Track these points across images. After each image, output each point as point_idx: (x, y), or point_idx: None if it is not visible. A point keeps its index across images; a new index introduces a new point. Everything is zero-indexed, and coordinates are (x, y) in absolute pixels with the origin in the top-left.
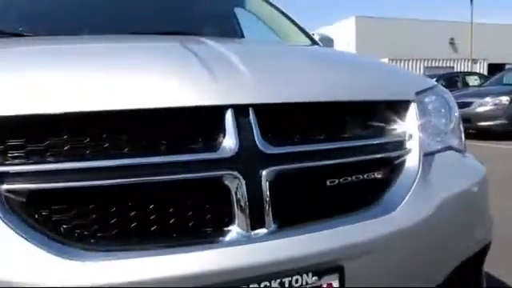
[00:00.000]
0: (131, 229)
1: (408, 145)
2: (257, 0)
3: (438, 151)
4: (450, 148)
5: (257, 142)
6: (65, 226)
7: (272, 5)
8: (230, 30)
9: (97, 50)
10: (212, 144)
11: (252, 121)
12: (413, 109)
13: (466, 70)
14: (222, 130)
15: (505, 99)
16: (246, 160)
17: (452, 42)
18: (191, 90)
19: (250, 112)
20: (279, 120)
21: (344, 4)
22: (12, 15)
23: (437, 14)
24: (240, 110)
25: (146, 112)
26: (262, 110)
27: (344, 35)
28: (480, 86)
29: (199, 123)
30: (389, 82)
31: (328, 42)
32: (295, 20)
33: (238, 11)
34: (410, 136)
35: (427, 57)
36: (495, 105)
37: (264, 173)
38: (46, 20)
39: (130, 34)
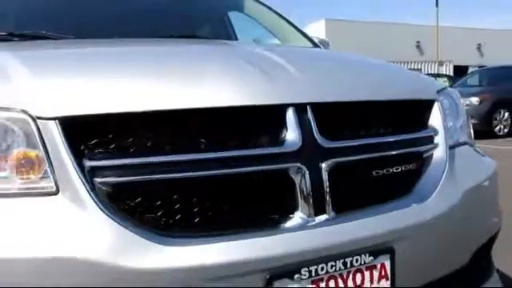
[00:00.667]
0: (209, 216)
1: (436, 139)
2: (256, 4)
3: (458, 145)
4: (465, 143)
5: (316, 137)
6: (150, 214)
7: (271, 9)
8: (224, 32)
9: (155, 54)
10: (277, 139)
11: (310, 118)
12: (437, 107)
13: (432, 72)
14: (284, 127)
15: (474, 100)
16: (308, 153)
17: (418, 45)
18: (255, 90)
19: (308, 110)
20: (331, 117)
21: (313, 8)
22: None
23: (405, 18)
24: (300, 108)
25: (219, 110)
26: (317, 108)
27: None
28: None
29: (264, 121)
30: (416, 83)
31: (325, 44)
32: (295, 24)
33: (237, 15)
34: (437, 131)
35: (396, 59)
36: (466, 106)
37: (323, 165)
38: (62, 23)
39: (156, 38)
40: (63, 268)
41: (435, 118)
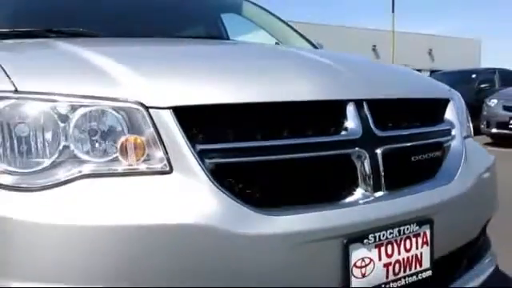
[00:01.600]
0: (293, 192)
1: (453, 132)
2: (254, 7)
3: (466, 137)
4: (469, 136)
5: (372, 127)
6: (248, 190)
7: (270, 12)
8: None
9: (223, 54)
10: (341, 129)
11: (367, 111)
12: (451, 104)
13: None
14: (346, 118)
15: None
16: (367, 141)
17: (374, 49)
18: (324, 88)
19: (365, 105)
20: (379, 111)
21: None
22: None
23: (361, 22)
24: (358, 104)
25: (298, 104)
26: (370, 103)
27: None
28: None
29: (331, 113)
30: (434, 84)
31: (320, 46)
32: (293, 26)
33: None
34: (453, 125)
35: None
36: None
37: (378, 151)
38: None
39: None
40: (187, 232)
41: (451, 114)
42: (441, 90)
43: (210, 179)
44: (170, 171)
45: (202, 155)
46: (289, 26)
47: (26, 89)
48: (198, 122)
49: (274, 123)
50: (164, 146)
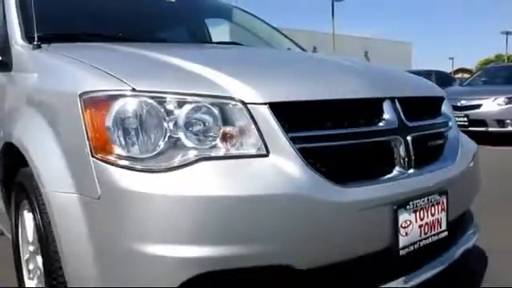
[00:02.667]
0: (354, 170)
1: (450, 123)
2: (246, 15)
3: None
4: (457, 126)
5: (403, 119)
6: (327, 167)
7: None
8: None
9: (299, 59)
10: (382, 120)
11: (398, 106)
12: (445, 101)
13: None
14: (384, 112)
15: None
16: (401, 130)
17: (314, 51)
18: (369, 88)
19: (396, 101)
20: (404, 106)
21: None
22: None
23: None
24: (392, 100)
25: (354, 100)
26: (399, 100)
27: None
28: None
29: (374, 107)
30: (431, 84)
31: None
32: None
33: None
34: (449, 118)
35: None
36: None
37: (409, 138)
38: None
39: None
40: (287, 200)
41: (446, 109)
42: (437, 89)
43: (301, 159)
44: (267, 154)
45: (293, 141)
46: (281, 32)
47: (143, 88)
48: (289, 115)
49: (339, 116)
50: (261, 135)
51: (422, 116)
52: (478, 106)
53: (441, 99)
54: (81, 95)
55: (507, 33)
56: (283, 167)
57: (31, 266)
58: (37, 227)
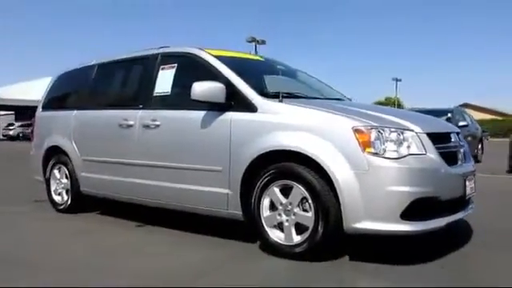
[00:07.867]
0: (451, 159)
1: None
2: (305, 74)
3: None
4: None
5: (458, 140)
6: (446, 158)
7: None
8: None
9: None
10: (452, 141)
11: (456, 135)
12: (455, 134)
13: None
14: (451, 138)
15: None
16: (459, 145)
17: None
18: (443, 127)
19: (456, 133)
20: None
21: None
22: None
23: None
24: (456, 133)
25: (446, 132)
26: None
27: None
28: None
29: (449, 136)
30: (445, 122)
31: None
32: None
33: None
34: (459, 143)
35: None
36: None
37: (461, 150)
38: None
39: None
40: (437, 170)
41: (456, 138)
42: (450, 125)
43: (439, 155)
44: (426, 153)
45: (435, 148)
46: (326, 84)
47: (376, 124)
48: (433, 137)
49: (445, 139)
50: (423, 145)
51: (460, 140)
52: None
53: (455, 132)
54: (353, 127)
55: (397, 80)
56: (433, 158)
57: (277, 220)
58: (312, 193)
